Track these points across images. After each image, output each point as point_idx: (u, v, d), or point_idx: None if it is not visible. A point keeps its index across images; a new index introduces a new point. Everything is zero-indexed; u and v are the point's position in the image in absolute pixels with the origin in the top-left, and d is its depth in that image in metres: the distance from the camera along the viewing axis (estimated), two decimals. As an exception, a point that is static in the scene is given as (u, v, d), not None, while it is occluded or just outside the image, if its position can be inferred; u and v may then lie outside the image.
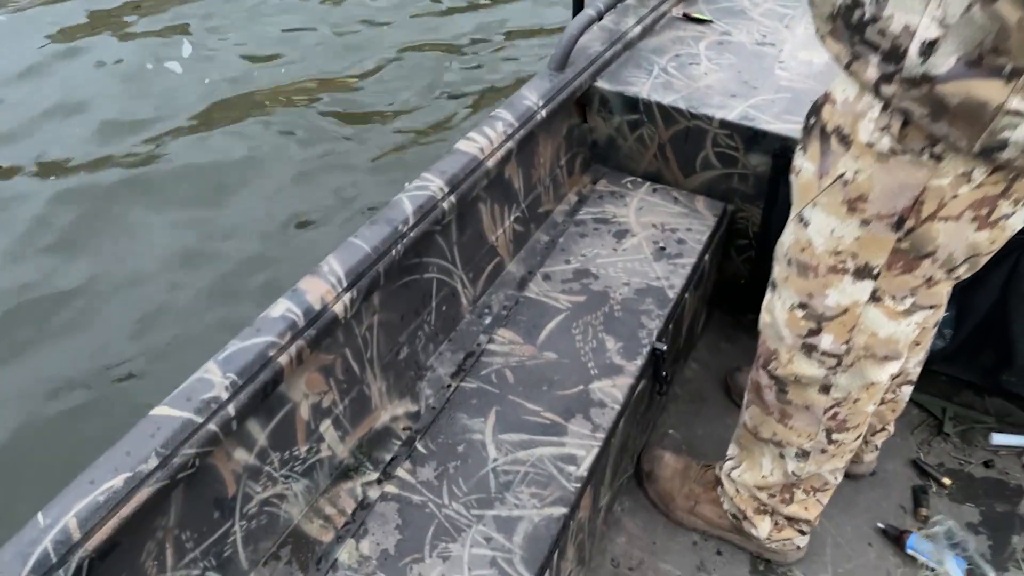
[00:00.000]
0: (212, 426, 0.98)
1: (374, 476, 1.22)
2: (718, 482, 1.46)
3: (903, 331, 1.08)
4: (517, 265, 1.59)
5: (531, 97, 1.53)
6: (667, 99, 1.64)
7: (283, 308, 1.10)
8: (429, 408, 1.32)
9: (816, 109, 1.02)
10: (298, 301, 1.11)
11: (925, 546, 1.47)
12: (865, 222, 0.97)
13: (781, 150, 1.55)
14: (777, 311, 1.14)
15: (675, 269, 1.53)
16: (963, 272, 1.01)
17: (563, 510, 1.15)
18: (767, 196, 1.64)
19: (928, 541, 1.48)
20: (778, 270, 1.14)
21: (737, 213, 1.71)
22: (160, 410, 0.97)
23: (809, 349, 1.12)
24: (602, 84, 1.69)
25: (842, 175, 0.96)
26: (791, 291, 1.11)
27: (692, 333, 1.78)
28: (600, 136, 1.77)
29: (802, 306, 1.10)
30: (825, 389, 1.15)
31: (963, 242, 0.94)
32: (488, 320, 1.47)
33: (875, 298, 1.04)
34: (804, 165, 1.02)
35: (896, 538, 1.50)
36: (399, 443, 1.27)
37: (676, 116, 1.64)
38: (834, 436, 1.21)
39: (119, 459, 0.91)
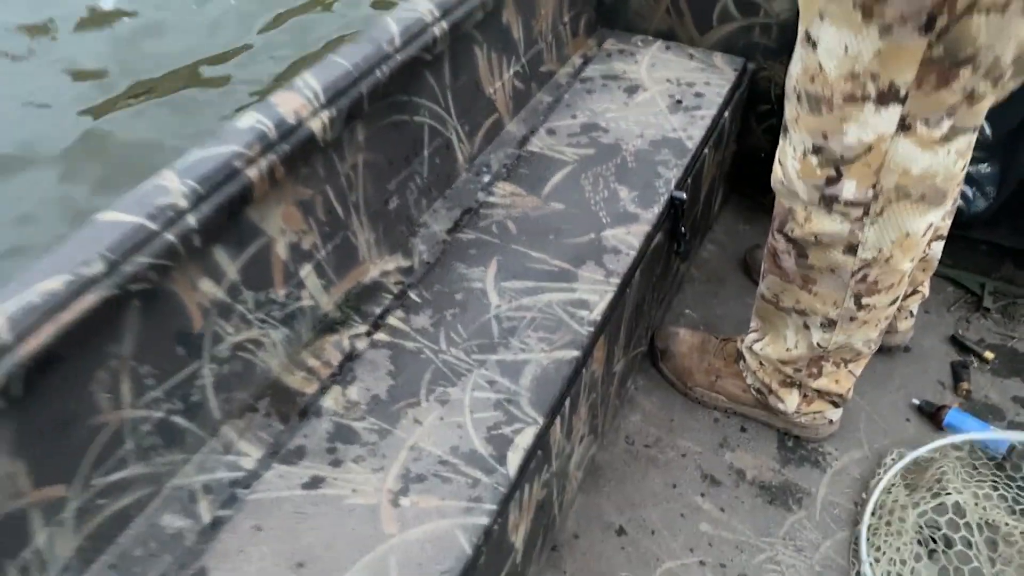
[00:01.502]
0: (169, 236, 0.84)
1: (363, 329, 1.09)
2: (739, 356, 1.33)
3: (942, 163, 0.91)
4: (518, 125, 1.44)
5: None
6: None
7: (252, 120, 0.95)
8: (423, 263, 1.18)
9: None
10: (269, 113, 0.97)
11: (965, 421, 1.35)
12: (886, 28, 0.81)
13: None
14: (788, 160, 0.99)
15: (693, 121, 1.39)
16: (1013, 83, 0.86)
17: (575, 353, 1.02)
18: (792, 49, 1.49)
19: (968, 415, 1.36)
20: (788, 109, 0.98)
21: (759, 72, 1.56)
22: (108, 215, 0.83)
23: (829, 201, 0.97)
24: None
25: None
26: (803, 133, 0.95)
27: (709, 210, 1.64)
28: None
29: (816, 150, 0.94)
30: (851, 248, 1.00)
31: (1012, 39, 0.78)
32: (487, 178, 1.33)
33: (904, 126, 0.88)
34: None
35: (933, 414, 1.38)
36: (391, 297, 1.14)
37: None
38: (864, 301, 1.06)
39: (59, 262, 0.77)
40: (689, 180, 1.33)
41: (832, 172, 0.94)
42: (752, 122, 1.65)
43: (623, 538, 1.21)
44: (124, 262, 0.80)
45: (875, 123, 0.87)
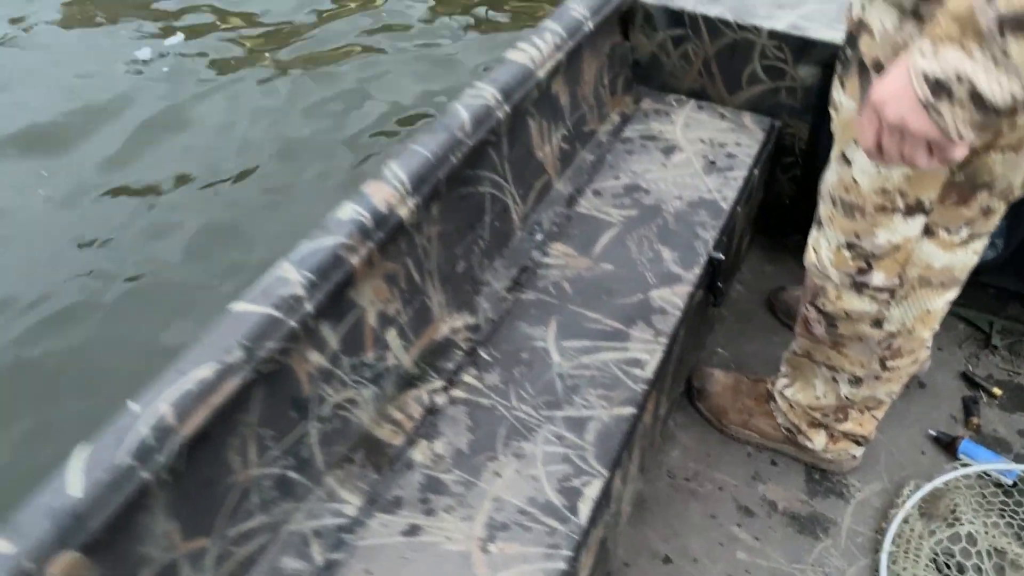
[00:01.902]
0: (292, 322, 0.98)
1: (439, 384, 1.23)
2: (770, 396, 1.47)
3: (960, 260, 1.05)
4: (564, 183, 1.58)
5: (578, 9, 1.51)
6: (713, 11, 1.62)
7: (351, 211, 1.09)
8: (488, 320, 1.32)
9: (852, 41, 0.97)
10: (365, 204, 1.10)
11: (977, 452, 1.48)
12: None
13: (832, 60, 1.53)
14: (823, 250, 1.12)
15: (726, 182, 1.52)
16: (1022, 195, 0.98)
17: (632, 410, 1.16)
18: (815, 110, 1.62)
19: (980, 447, 1.49)
20: (823, 209, 1.11)
21: (784, 129, 1.69)
22: (240, 306, 0.97)
23: (860, 287, 1.10)
24: None
25: None
26: (837, 231, 1.08)
27: (738, 253, 1.78)
28: (642, 55, 1.75)
29: (850, 246, 1.07)
30: (878, 323, 1.13)
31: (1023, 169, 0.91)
32: (539, 236, 1.47)
33: (928, 232, 1.01)
34: (843, 101, 1.00)
35: (948, 444, 1.51)
36: (461, 353, 1.27)
37: (723, 29, 1.62)
38: (888, 363, 1.20)
39: (206, 351, 0.91)
40: (725, 238, 1.46)
41: (863, 264, 1.07)
42: (777, 172, 1.79)
43: (669, 566, 1.35)
44: (258, 348, 0.94)
45: (903, 229, 1.00)
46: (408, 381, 1.24)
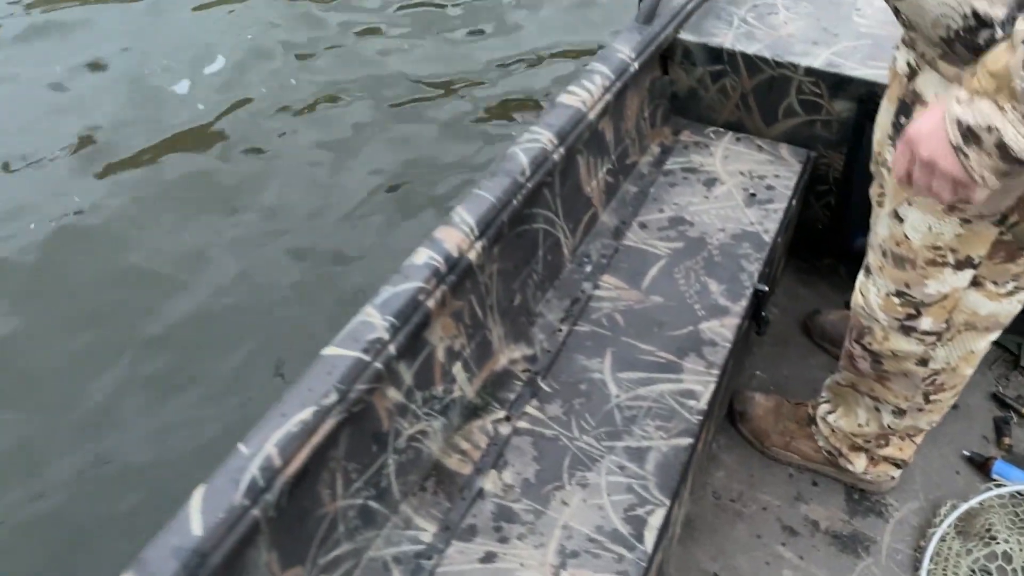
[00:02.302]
0: (378, 364, 1.05)
1: (502, 414, 1.30)
2: (811, 420, 1.53)
3: (1005, 309, 1.12)
4: (610, 215, 1.64)
5: (624, 50, 1.58)
6: (751, 48, 1.69)
7: (425, 256, 1.16)
8: (544, 351, 1.39)
9: (907, 110, 1.03)
10: (438, 249, 1.17)
11: (1010, 471, 1.55)
12: (966, 221, 1.00)
13: (868, 95, 1.59)
14: (872, 296, 1.18)
15: (767, 214, 1.59)
16: None
17: (689, 440, 1.22)
18: (851, 142, 1.69)
19: (1013, 466, 1.55)
20: (873, 258, 1.17)
21: (819, 159, 1.76)
22: (331, 350, 1.04)
23: (907, 330, 1.16)
24: (685, 36, 1.73)
25: None
26: (887, 280, 1.14)
27: (774, 279, 1.84)
28: (681, 88, 1.82)
29: (899, 294, 1.13)
30: (923, 362, 1.20)
31: None
32: (589, 268, 1.53)
33: (975, 283, 1.07)
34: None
35: (982, 465, 1.57)
36: (520, 383, 1.34)
37: (760, 65, 1.68)
38: (932, 398, 1.27)
39: (304, 394, 0.98)
40: (767, 270, 1.53)
41: (912, 311, 1.14)
42: (811, 199, 1.85)
43: (718, 584, 1.42)
44: (350, 391, 1.01)
45: (952, 281, 1.07)
46: (473, 412, 1.31)
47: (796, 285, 1.96)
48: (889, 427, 1.35)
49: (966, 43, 0.86)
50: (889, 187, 1.09)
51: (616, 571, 1.08)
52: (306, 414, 0.97)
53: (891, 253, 1.11)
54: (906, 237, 1.07)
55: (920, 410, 1.29)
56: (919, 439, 1.42)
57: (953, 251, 1.04)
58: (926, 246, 1.05)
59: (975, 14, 0.83)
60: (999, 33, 0.82)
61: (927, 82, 0.98)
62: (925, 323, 1.14)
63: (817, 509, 1.52)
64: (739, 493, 1.55)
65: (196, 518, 0.86)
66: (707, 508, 1.53)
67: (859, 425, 1.39)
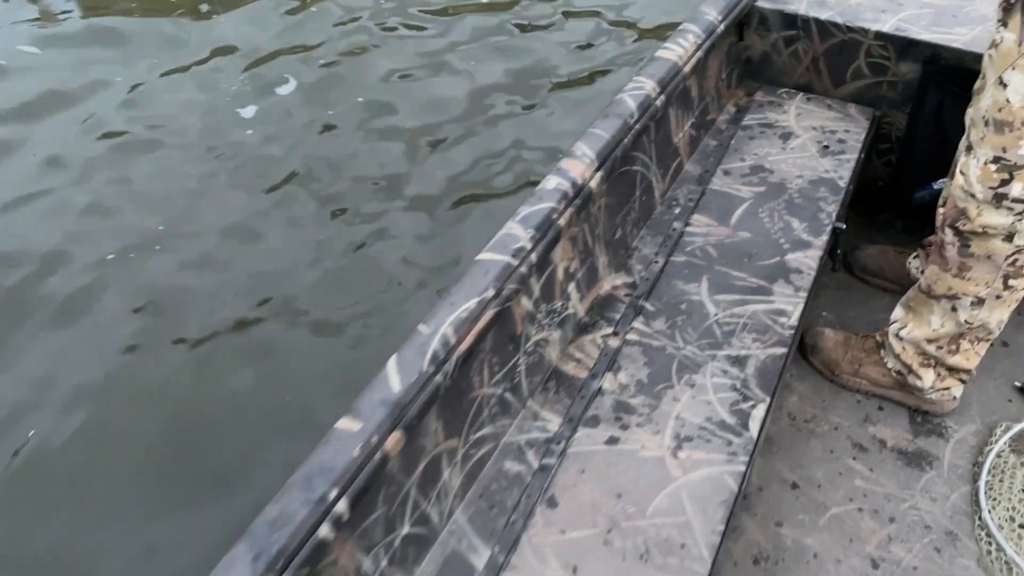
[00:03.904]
0: (522, 269, 1.22)
1: (610, 330, 1.46)
2: (879, 347, 1.69)
3: None
4: (693, 165, 1.81)
5: (711, 13, 1.74)
6: (824, 15, 1.84)
7: (555, 182, 1.33)
8: (643, 279, 1.55)
9: None
10: (565, 176, 1.34)
11: (1061, 401, 1.70)
12: None
13: (932, 57, 1.75)
14: (972, 169, 1.33)
15: (840, 163, 1.74)
16: None
17: (783, 350, 1.39)
18: (914, 102, 1.84)
19: (1064, 396, 1.70)
20: (975, 133, 1.33)
21: (883, 119, 1.91)
22: (485, 255, 1.21)
23: (1000, 198, 1.31)
24: (762, 3, 1.89)
25: None
26: (987, 148, 1.30)
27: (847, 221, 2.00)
28: (755, 53, 1.97)
29: (996, 159, 1.29)
30: (1009, 237, 1.34)
31: None
32: (678, 210, 1.70)
33: None
34: (1005, 36, 1.22)
35: (1034, 394, 1.73)
36: (624, 305, 1.50)
37: (832, 30, 1.84)
38: (1010, 282, 1.41)
39: (467, 289, 1.15)
40: (842, 212, 1.68)
41: (1006, 176, 1.29)
42: (874, 157, 2.00)
43: (797, 490, 1.58)
44: (503, 288, 1.18)
45: None
46: (583, 328, 1.47)
47: (856, 238, 2.11)
48: (966, 322, 1.48)
49: None
50: (996, 59, 1.25)
51: (727, 452, 1.24)
52: (471, 303, 1.13)
53: (992, 120, 1.27)
54: (1007, 101, 1.23)
55: (998, 297, 1.43)
56: (983, 349, 1.56)
57: None
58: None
59: None
60: None
61: None
62: (1016, 188, 1.28)
63: (884, 430, 1.68)
64: (812, 415, 1.71)
65: (395, 379, 1.03)
66: (784, 428, 1.68)
67: (933, 329, 1.54)
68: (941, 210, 1.46)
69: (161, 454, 2.15)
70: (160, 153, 3.23)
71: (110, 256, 2.75)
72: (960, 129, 1.44)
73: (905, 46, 1.78)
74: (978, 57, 1.42)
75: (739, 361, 1.37)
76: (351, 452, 0.95)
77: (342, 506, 0.92)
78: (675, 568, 1.10)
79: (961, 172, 1.37)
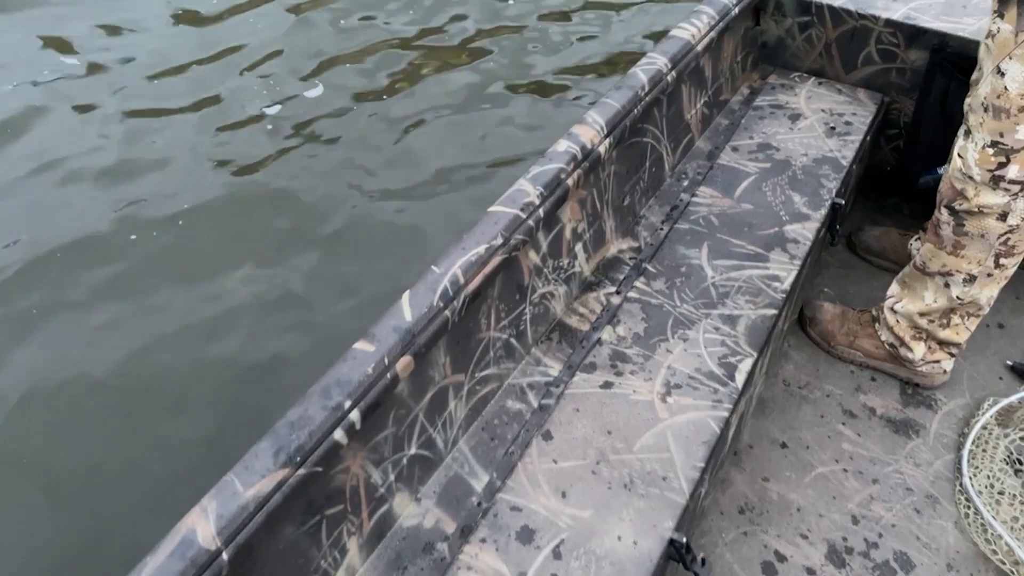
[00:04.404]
0: (530, 221, 1.32)
1: (613, 289, 1.56)
2: (874, 321, 1.77)
3: None
4: (704, 142, 1.89)
5: None
6: (837, 2, 1.92)
7: (565, 145, 1.43)
8: (647, 244, 1.65)
9: None
10: (575, 140, 1.44)
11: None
12: None
13: (939, 45, 1.81)
14: (970, 152, 1.41)
15: (845, 144, 1.82)
16: None
17: (773, 311, 1.47)
18: (922, 88, 1.91)
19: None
20: (973, 119, 1.40)
21: (892, 105, 1.98)
22: (496, 208, 1.31)
23: (996, 180, 1.38)
24: None
25: None
26: (984, 133, 1.37)
27: (849, 200, 2.07)
28: (770, 37, 2.05)
29: (993, 144, 1.36)
30: (1003, 216, 1.42)
31: None
32: (686, 183, 1.79)
33: None
34: (1002, 27, 1.29)
35: (1023, 372, 1.79)
36: (628, 267, 1.60)
37: (844, 16, 1.91)
38: (1001, 261, 1.48)
39: (478, 236, 1.26)
40: (843, 188, 1.76)
41: (1003, 159, 1.36)
42: (882, 142, 2.07)
43: (785, 450, 1.66)
44: (511, 237, 1.28)
45: None
46: (588, 286, 1.57)
47: (863, 221, 2.18)
48: (957, 298, 1.56)
49: None
50: (993, 48, 1.33)
51: (712, 400, 1.33)
52: (480, 249, 1.24)
53: (991, 107, 1.34)
54: (1005, 89, 1.31)
55: (989, 275, 1.51)
56: (973, 325, 1.63)
57: None
58: (1021, 94, 1.29)
59: None
60: None
61: None
62: (1012, 171, 1.36)
63: (874, 399, 1.76)
64: (806, 383, 1.80)
65: (407, 310, 1.14)
66: (778, 392, 1.77)
67: (926, 304, 1.61)
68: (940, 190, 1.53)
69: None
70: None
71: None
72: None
73: (914, 34, 1.85)
74: None
75: (731, 319, 1.46)
76: (365, 369, 1.06)
77: (355, 415, 1.04)
78: (656, 497, 1.20)
79: (959, 155, 1.45)
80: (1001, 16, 1.31)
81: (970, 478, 1.60)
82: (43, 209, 2.99)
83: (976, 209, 1.44)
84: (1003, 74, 1.32)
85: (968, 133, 1.43)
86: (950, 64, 1.83)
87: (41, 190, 3.08)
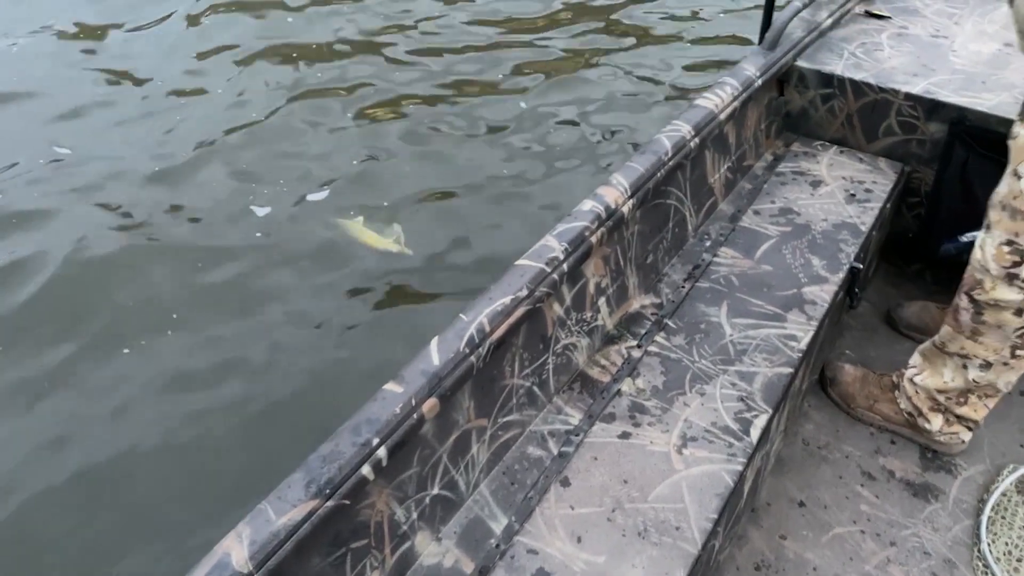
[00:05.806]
0: (554, 275, 1.39)
1: (634, 343, 1.61)
2: (894, 386, 1.79)
3: None
4: (727, 205, 1.96)
5: (750, 69, 1.91)
6: (858, 75, 1.99)
7: (590, 205, 1.50)
8: (669, 301, 1.70)
9: None
10: (599, 201, 1.51)
11: (1071, 450, 1.76)
12: None
13: (958, 118, 1.87)
14: (988, 247, 1.45)
15: (864, 210, 1.87)
16: None
17: (790, 370, 1.52)
18: (941, 159, 1.96)
19: (1074, 447, 1.77)
20: (992, 215, 1.44)
21: (912, 174, 2.04)
22: (523, 262, 1.38)
23: (1011, 278, 1.42)
24: (801, 63, 2.06)
25: None
26: (1001, 231, 1.41)
27: (866, 275, 2.11)
28: (794, 107, 2.13)
29: (1009, 243, 1.40)
30: (1019, 312, 1.45)
31: None
32: (708, 243, 1.85)
33: None
34: (1020, 132, 1.35)
35: (1045, 443, 1.80)
36: (650, 322, 1.66)
37: (865, 89, 1.99)
38: (1018, 352, 1.51)
39: (505, 287, 1.33)
40: (862, 253, 1.81)
41: (1018, 258, 1.40)
42: (903, 210, 2.12)
43: (803, 509, 1.68)
44: (535, 289, 1.35)
45: None
46: (610, 339, 1.63)
47: (886, 286, 2.22)
48: (974, 381, 1.58)
49: None
50: (1012, 152, 1.37)
51: (727, 453, 1.37)
52: (506, 299, 1.31)
53: (1008, 207, 1.38)
54: (1022, 191, 1.35)
55: (1005, 364, 1.53)
56: (991, 403, 1.65)
57: None
58: None
59: None
60: None
61: None
62: None
63: (894, 462, 1.77)
64: (825, 443, 1.82)
65: (435, 354, 1.21)
66: (797, 451, 1.80)
67: (944, 382, 1.64)
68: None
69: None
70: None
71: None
72: (983, 185, 1.55)
73: (933, 107, 1.91)
74: (1003, 120, 1.53)
75: (748, 377, 1.51)
76: (393, 409, 1.13)
77: (382, 452, 1.10)
78: (669, 546, 1.23)
79: (980, 247, 1.48)
80: (1022, 120, 1.36)
81: (989, 544, 1.60)
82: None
83: (993, 302, 1.47)
84: (1020, 177, 1.36)
85: (988, 227, 1.46)
86: (969, 136, 1.88)
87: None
